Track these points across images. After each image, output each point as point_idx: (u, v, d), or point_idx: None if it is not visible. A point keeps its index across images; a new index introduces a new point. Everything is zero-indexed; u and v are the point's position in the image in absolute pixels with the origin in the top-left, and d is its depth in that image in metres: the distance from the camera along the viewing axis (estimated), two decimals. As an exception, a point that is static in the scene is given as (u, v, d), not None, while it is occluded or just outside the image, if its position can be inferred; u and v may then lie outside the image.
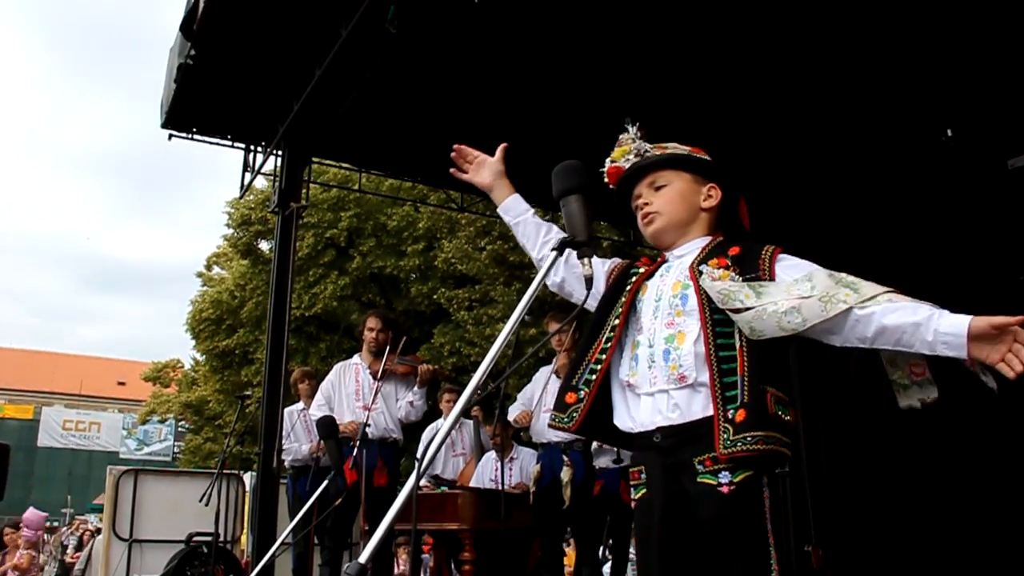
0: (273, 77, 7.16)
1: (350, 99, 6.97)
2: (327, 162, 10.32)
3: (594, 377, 2.17)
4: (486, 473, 6.81)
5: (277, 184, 7.57)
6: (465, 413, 1.79)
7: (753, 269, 2.08)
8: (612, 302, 2.24)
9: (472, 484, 6.72)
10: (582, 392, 2.19)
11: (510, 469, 6.73)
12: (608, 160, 2.35)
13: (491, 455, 6.79)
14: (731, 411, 1.97)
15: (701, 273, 2.10)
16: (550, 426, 2.27)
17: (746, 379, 1.98)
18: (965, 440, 7.70)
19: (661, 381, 2.09)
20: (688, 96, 7.60)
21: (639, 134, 2.32)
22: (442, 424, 7.53)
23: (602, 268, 2.37)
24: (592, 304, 2.29)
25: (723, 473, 1.98)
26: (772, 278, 2.04)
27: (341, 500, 5.25)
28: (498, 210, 2.57)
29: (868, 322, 1.92)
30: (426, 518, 6.27)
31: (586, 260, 1.92)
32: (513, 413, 6.38)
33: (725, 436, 1.95)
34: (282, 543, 4.73)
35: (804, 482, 8.70)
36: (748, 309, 1.95)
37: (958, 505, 7.71)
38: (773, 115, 7.90)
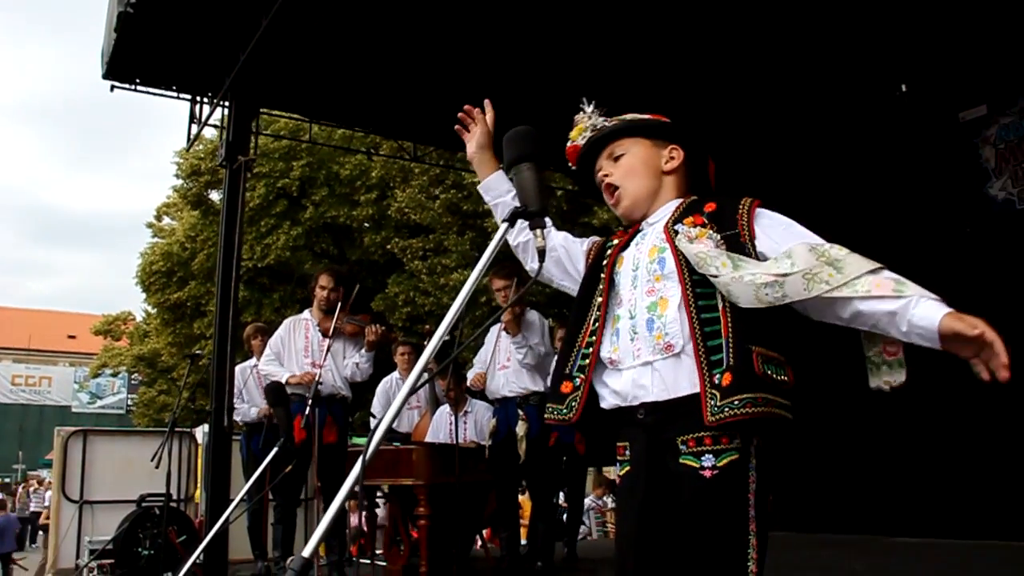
0: (218, 26, 6.96)
1: (298, 50, 6.81)
2: (277, 113, 10.11)
3: (587, 362, 2.08)
4: (441, 427, 6.79)
5: (224, 137, 7.38)
6: (423, 373, 1.72)
7: (732, 225, 2.00)
8: (593, 282, 2.16)
9: (427, 438, 6.70)
10: (578, 379, 2.08)
11: (464, 423, 6.72)
12: (568, 142, 2.28)
13: (445, 409, 6.78)
14: (717, 376, 1.88)
15: (677, 233, 2.02)
16: (547, 420, 2.16)
17: (731, 341, 1.89)
18: (909, 398, 7.80)
19: (646, 352, 2.00)
20: (647, 62, 7.55)
21: (596, 112, 2.25)
22: (395, 377, 7.52)
23: (580, 248, 2.30)
24: (571, 287, 2.24)
25: (706, 456, 1.90)
26: (752, 234, 1.97)
27: (293, 453, 5.21)
28: (479, 187, 2.46)
29: (845, 304, 1.87)
30: (381, 474, 6.24)
31: (539, 232, 1.83)
32: (470, 376, 6.38)
33: (712, 403, 1.86)
34: (235, 509, 4.67)
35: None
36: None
37: (900, 453, 7.87)
38: (734, 75, 7.86)
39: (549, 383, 2.23)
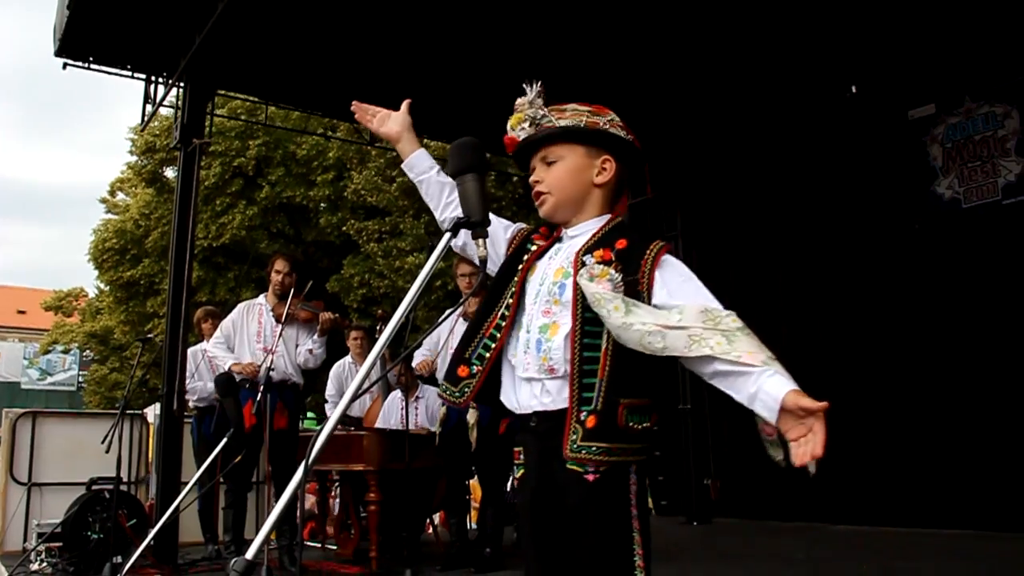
0: (174, 6, 6.89)
1: (255, 32, 6.78)
2: (232, 94, 10.03)
3: (488, 354, 2.14)
4: (392, 412, 6.83)
5: (179, 119, 7.33)
6: (376, 363, 1.77)
7: (634, 271, 2.04)
8: (508, 276, 2.21)
9: (378, 424, 6.73)
10: (474, 368, 2.16)
11: (416, 408, 6.76)
12: (508, 128, 2.29)
13: (396, 394, 6.81)
14: (584, 414, 1.97)
15: (584, 264, 2.06)
16: (440, 396, 2.25)
17: (603, 385, 1.98)
18: (848, 380, 8.01)
19: (533, 369, 2.09)
20: (597, 51, 7.60)
21: (539, 93, 2.23)
22: (348, 361, 7.54)
23: (504, 234, 2.33)
24: (492, 269, 2.27)
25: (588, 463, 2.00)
26: (650, 283, 2.01)
27: (243, 443, 5.24)
28: (403, 165, 2.51)
29: (711, 362, 1.93)
30: (331, 459, 6.29)
31: (480, 241, 1.89)
32: (416, 359, 6.39)
33: (574, 437, 1.97)
34: (186, 496, 4.69)
35: (705, 421, 8.99)
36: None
37: (842, 441, 8.03)
38: (687, 75, 7.94)
39: (447, 363, 2.29)
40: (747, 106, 8.39)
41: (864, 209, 8.19)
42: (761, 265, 8.79)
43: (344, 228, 20.11)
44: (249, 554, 1.48)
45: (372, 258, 19.18)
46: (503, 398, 2.18)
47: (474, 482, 7.94)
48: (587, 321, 2.02)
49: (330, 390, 7.64)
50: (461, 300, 2.67)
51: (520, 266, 2.20)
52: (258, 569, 1.27)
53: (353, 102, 2.57)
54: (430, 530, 7.57)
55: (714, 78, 7.92)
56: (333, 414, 1.74)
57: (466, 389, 2.16)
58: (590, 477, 1.98)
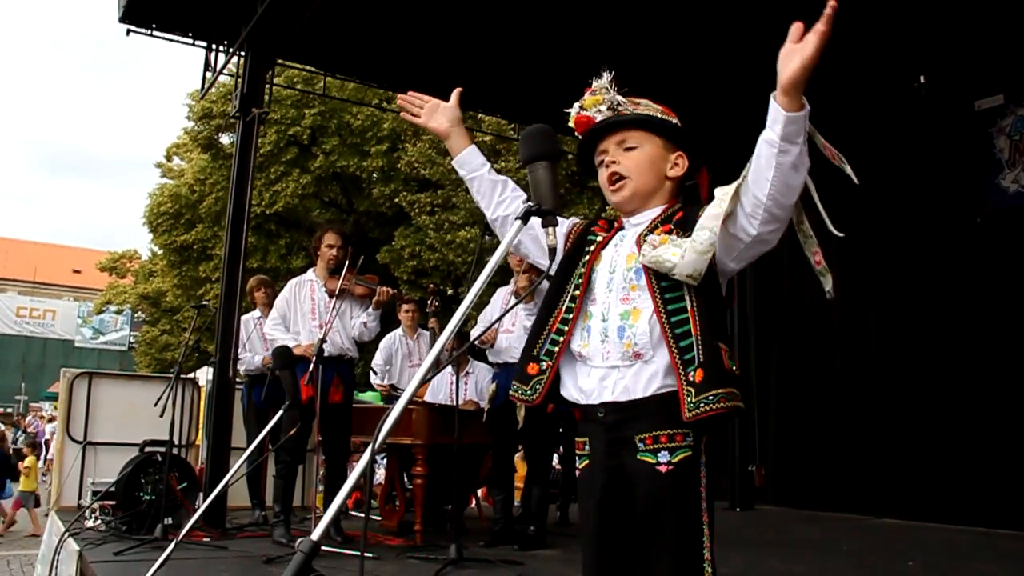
0: (236, -27, 6.95)
1: (318, 2, 6.79)
2: (291, 64, 10.08)
3: (556, 349, 2.13)
4: (441, 387, 6.86)
5: (239, 88, 7.37)
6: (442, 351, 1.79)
7: (692, 225, 2.04)
8: (570, 269, 2.20)
9: (427, 397, 6.77)
10: (544, 364, 2.15)
11: (465, 384, 6.79)
12: (577, 105, 2.26)
13: (447, 369, 6.83)
14: (691, 373, 1.95)
15: (645, 243, 2.07)
16: (511, 397, 2.24)
17: (700, 339, 1.96)
18: (903, 373, 7.91)
19: (614, 357, 2.06)
20: (661, 45, 7.52)
21: (613, 84, 2.22)
22: (399, 334, 7.58)
23: (561, 230, 2.30)
24: (545, 263, 2.23)
25: (662, 452, 1.99)
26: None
27: (298, 414, 5.29)
28: (453, 162, 2.48)
29: (746, 186, 1.93)
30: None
31: (551, 230, 1.90)
32: (476, 332, 6.39)
33: (689, 400, 1.94)
34: (240, 467, 4.75)
35: (752, 408, 8.92)
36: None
37: (892, 435, 7.95)
38: (753, 66, 7.83)
39: (518, 361, 2.28)
40: (814, 96, 8.25)
41: (926, 201, 8.04)
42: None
43: (396, 200, 20.20)
44: (315, 535, 1.50)
45: (423, 230, 19.26)
46: (563, 391, 2.17)
47: (518, 460, 7.99)
48: (665, 290, 2.02)
49: (378, 360, 7.70)
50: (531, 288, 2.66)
51: (586, 258, 2.18)
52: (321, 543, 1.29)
53: (399, 96, 2.55)
54: (472, 504, 7.62)
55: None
56: (404, 394, 1.76)
57: (537, 386, 2.15)
58: (663, 468, 1.98)
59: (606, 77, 2.23)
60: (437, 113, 2.45)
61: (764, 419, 9.11)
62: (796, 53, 1.80)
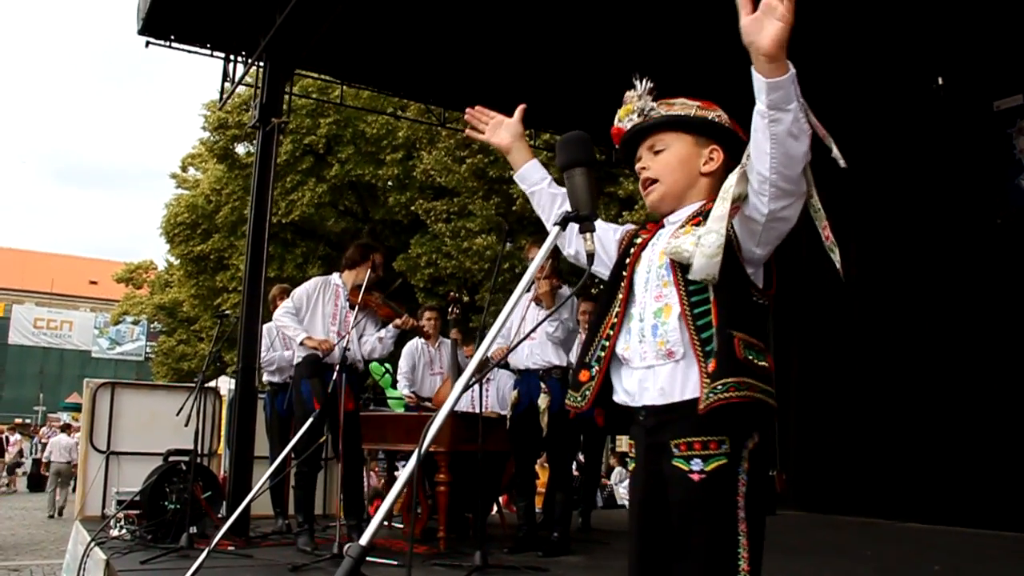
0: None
1: (336, 13, 6.83)
2: (308, 73, 10.15)
3: (603, 354, 2.14)
4: (463, 395, 6.87)
5: (258, 99, 7.42)
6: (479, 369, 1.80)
7: None
8: (617, 275, 2.21)
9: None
10: (594, 369, 2.15)
11: (487, 391, 6.80)
12: (616, 120, 2.28)
13: (463, 376, 6.83)
14: (708, 364, 1.94)
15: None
16: (567, 406, 2.24)
17: (715, 329, 1.95)
18: (924, 375, 7.87)
19: (651, 356, 2.06)
20: (691, 47, 7.52)
21: (648, 89, 2.22)
22: (420, 342, 7.59)
23: (613, 236, 2.32)
24: (604, 273, 2.27)
25: (695, 460, 1.97)
26: None
27: (314, 425, 5.31)
28: (515, 176, 2.51)
29: (750, 164, 1.91)
30: (402, 439, 6.36)
31: (588, 236, 1.90)
32: (492, 348, 6.39)
33: (704, 391, 1.92)
34: (267, 476, 4.78)
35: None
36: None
37: (915, 439, 7.91)
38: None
39: (572, 370, 2.29)
40: (832, 97, 8.24)
41: (946, 203, 8.01)
42: (840, 253, 8.62)
43: (412, 207, 20.22)
44: (364, 540, 1.51)
45: (440, 238, 19.27)
46: (615, 397, 2.16)
47: (538, 466, 8.00)
48: (689, 283, 2.01)
49: (403, 367, 7.69)
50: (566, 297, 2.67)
51: (627, 260, 2.19)
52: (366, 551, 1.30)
53: (468, 110, 2.56)
54: (494, 511, 7.62)
55: (799, 70, 7.79)
56: (446, 403, 1.77)
57: (587, 392, 2.15)
58: (695, 477, 1.96)
59: (639, 86, 2.23)
60: (500, 129, 2.49)
61: (784, 424, 9.08)
62: (770, 15, 1.76)
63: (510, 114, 2.48)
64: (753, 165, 1.91)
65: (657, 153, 2.20)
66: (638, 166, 2.22)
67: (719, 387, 1.90)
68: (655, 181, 2.20)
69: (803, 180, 1.92)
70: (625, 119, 2.23)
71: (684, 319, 2.01)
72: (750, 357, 1.94)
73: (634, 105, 2.22)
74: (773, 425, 1.95)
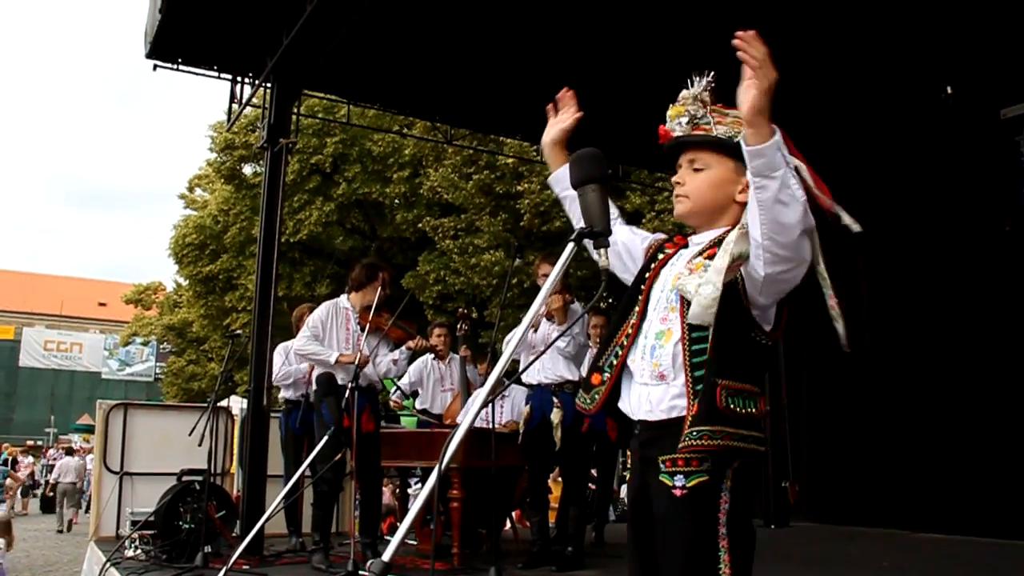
0: (261, 7, 7.04)
1: (343, 33, 6.86)
2: (314, 93, 10.20)
3: (616, 361, 2.17)
4: (475, 410, 6.85)
5: (266, 120, 7.45)
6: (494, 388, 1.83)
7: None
8: (638, 285, 2.22)
9: (459, 420, 6.77)
10: (606, 375, 2.18)
11: (501, 407, 6.79)
12: (667, 117, 2.20)
13: (480, 392, 6.84)
14: (694, 405, 1.98)
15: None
16: (577, 406, 2.28)
17: (705, 373, 1.98)
18: (938, 383, 7.85)
19: (646, 375, 2.10)
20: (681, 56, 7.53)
21: (705, 87, 2.15)
22: (429, 357, 7.58)
23: (641, 245, 2.32)
24: (630, 279, 2.27)
25: (678, 476, 2.00)
26: None
27: (332, 445, 5.31)
28: (549, 179, 2.53)
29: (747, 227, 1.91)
30: (414, 455, 6.37)
31: (602, 252, 1.92)
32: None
33: (685, 432, 1.96)
34: (284, 495, 4.79)
35: (783, 424, 8.88)
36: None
37: (928, 449, 7.89)
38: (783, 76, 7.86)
39: (585, 372, 2.31)
40: (841, 106, 8.25)
41: (954, 211, 8.01)
42: (848, 264, 8.63)
43: (420, 225, 20.26)
44: (386, 556, 1.52)
45: (447, 255, 19.30)
46: (620, 404, 2.19)
47: (551, 481, 7.99)
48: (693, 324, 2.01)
49: (403, 380, 7.67)
50: (579, 313, 2.68)
51: (647, 274, 2.20)
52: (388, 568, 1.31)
53: (566, 88, 2.53)
54: (507, 527, 7.61)
55: (808, 79, 7.80)
56: (464, 420, 1.79)
57: (596, 396, 2.19)
58: (677, 492, 1.99)
59: (696, 85, 2.17)
60: (556, 126, 2.49)
61: (796, 435, 9.07)
62: (751, 85, 1.80)
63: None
64: (748, 228, 1.91)
65: (696, 170, 2.16)
66: (674, 178, 2.21)
67: (694, 433, 1.94)
68: (686, 196, 2.18)
69: (802, 247, 1.89)
70: (674, 121, 2.19)
71: (683, 348, 2.04)
72: (731, 406, 1.96)
73: (687, 108, 2.16)
74: (756, 466, 1.93)
